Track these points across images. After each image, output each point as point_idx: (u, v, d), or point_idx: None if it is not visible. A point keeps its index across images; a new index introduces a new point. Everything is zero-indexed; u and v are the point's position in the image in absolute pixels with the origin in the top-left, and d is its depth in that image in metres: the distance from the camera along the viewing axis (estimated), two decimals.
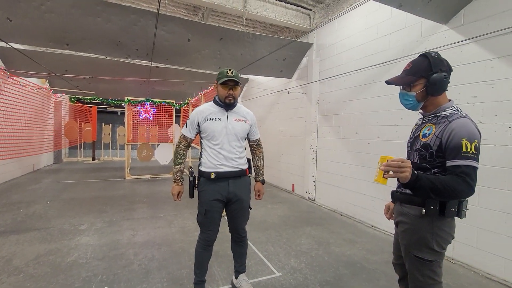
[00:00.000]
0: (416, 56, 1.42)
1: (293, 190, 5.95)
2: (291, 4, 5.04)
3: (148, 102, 7.49)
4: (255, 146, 2.30)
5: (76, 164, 9.84)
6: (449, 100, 1.34)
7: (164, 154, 7.71)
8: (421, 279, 1.30)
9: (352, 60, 4.35)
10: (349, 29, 4.45)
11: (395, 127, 3.58)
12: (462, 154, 1.16)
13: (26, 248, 2.91)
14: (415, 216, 1.30)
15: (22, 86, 4.64)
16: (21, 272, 2.42)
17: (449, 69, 1.30)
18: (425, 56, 1.33)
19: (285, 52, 5.29)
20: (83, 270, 2.47)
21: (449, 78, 1.30)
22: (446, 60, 1.31)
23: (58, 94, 6.94)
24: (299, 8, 5.16)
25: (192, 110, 8.22)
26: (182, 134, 2.08)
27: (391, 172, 1.17)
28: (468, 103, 2.80)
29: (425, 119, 1.39)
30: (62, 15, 3.71)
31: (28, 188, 5.73)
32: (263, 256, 2.85)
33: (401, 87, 1.42)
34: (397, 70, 3.51)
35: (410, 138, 1.45)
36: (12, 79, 4.25)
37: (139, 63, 6.37)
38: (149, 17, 4.03)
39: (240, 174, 2.05)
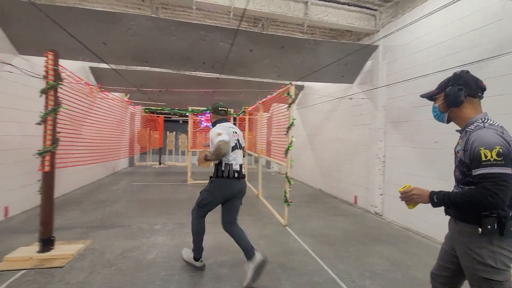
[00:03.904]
0: None
1: (355, 202, 5.55)
2: (354, 6, 4.81)
3: (208, 111, 7.97)
4: None
5: (146, 168, 10.98)
6: (481, 113, 1.35)
7: None
8: None
9: (428, 61, 3.91)
10: (424, 26, 4.02)
11: None
12: (483, 163, 1.17)
13: (113, 243, 3.30)
14: (472, 234, 1.27)
15: (111, 100, 5.39)
16: (112, 265, 2.73)
17: (469, 85, 1.35)
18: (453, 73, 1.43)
19: (348, 56, 5.05)
20: (162, 269, 2.66)
21: (471, 92, 1.35)
22: (470, 78, 1.36)
23: (136, 106, 7.91)
24: (363, 9, 4.89)
25: (249, 118, 8.47)
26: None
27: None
28: None
29: (460, 135, 1.43)
30: (144, 37, 4.21)
31: (110, 189, 6.58)
32: (333, 273, 2.67)
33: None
34: (492, 69, 3.01)
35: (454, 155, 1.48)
36: (105, 94, 4.96)
37: (203, 76, 6.84)
38: (216, 32, 4.29)
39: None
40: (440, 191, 1.29)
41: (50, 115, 2.88)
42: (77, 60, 4.66)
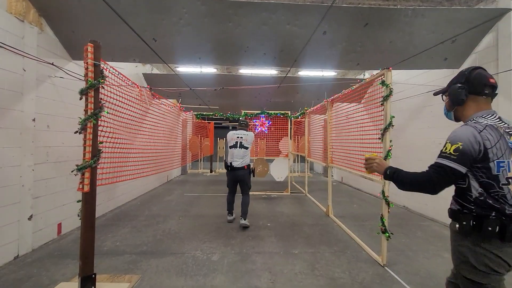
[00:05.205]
0: None
1: None
2: None
3: (263, 115, 7.17)
4: None
5: (198, 176, 10.71)
6: (483, 110, 1.29)
7: (279, 170, 7.14)
8: None
9: None
10: None
11: None
12: (441, 153, 1.23)
13: (164, 280, 2.60)
14: (454, 231, 1.28)
15: (163, 105, 4.94)
16: None
17: (471, 83, 1.30)
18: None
19: (455, 30, 3.68)
20: None
21: (474, 90, 1.30)
22: (475, 76, 1.30)
23: (188, 112, 7.56)
24: None
25: (308, 121, 7.43)
26: None
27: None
28: None
29: None
30: (197, 27, 3.56)
31: (164, 200, 6.19)
32: None
33: None
34: None
35: None
36: (161, 101, 4.51)
37: (257, 74, 6.08)
38: (282, 11, 3.42)
39: None
40: (397, 168, 1.34)
41: (90, 121, 2.32)
42: (128, 61, 4.28)
